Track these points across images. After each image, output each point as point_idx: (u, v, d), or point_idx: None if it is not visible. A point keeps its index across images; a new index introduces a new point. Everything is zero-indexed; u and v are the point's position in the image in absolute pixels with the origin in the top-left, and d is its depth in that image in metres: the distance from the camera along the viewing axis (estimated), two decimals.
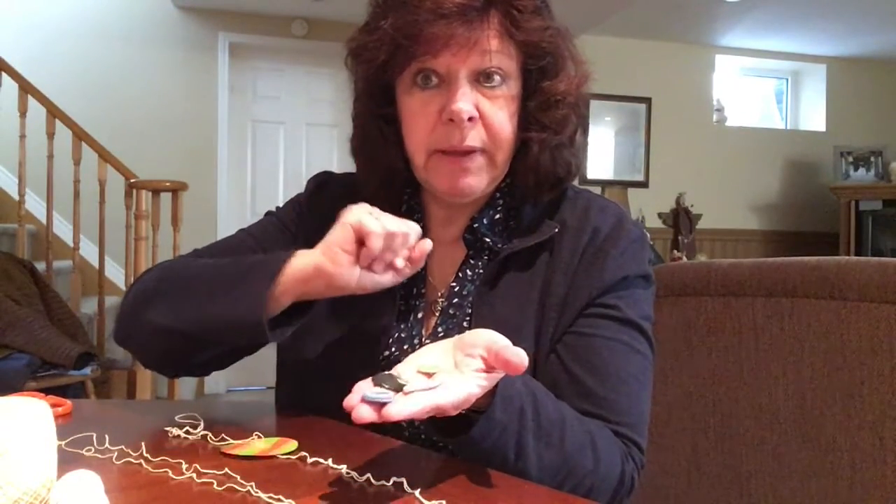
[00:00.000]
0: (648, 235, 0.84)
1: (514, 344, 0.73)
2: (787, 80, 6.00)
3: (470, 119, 0.73)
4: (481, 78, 0.75)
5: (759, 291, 1.04)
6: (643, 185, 5.34)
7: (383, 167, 0.82)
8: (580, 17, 4.33)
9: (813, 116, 5.86)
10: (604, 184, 5.13)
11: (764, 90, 6.03)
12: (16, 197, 3.53)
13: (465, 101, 0.73)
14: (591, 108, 5.18)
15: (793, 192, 5.69)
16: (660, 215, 5.30)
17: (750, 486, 1.07)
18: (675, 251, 5.13)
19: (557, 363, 0.76)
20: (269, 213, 0.94)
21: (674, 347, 1.12)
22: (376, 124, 0.81)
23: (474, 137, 0.75)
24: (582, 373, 0.75)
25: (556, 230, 0.80)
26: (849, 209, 5.19)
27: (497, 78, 0.75)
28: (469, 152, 0.75)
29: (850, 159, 5.45)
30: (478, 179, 0.77)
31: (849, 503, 0.96)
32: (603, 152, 5.35)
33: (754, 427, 1.06)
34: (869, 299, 0.94)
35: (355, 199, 0.82)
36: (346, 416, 0.77)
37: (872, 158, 5.42)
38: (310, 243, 0.79)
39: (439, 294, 0.83)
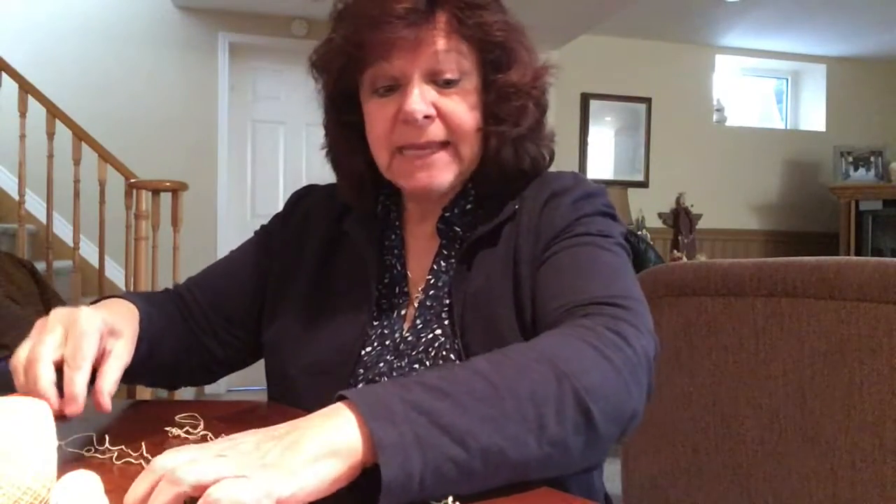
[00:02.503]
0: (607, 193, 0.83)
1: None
2: (787, 80, 6.00)
3: (427, 117, 0.76)
4: (436, 79, 0.77)
5: (759, 291, 1.04)
6: (643, 185, 5.34)
7: (350, 173, 0.86)
8: (580, 17, 4.33)
9: (813, 116, 5.86)
10: (604, 184, 5.12)
11: (764, 90, 6.03)
12: (16, 197, 3.53)
13: (419, 101, 0.75)
14: (591, 108, 5.23)
15: (793, 192, 5.69)
16: (660, 215, 5.30)
17: (750, 486, 1.07)
18: (675, 251, 5.14)
19: (536, 293, 0.75)
20: (256, 231, 0.99)
21: (674, 347, 1.12)
22: (341, 132, 0.85)
23: (434, 132, 0.77)
24: (553, 282, 0.73)
25: (517, 207, 0.81)
26: (849, 209, 5.20)
27: (450, 76, 0.77)
28: (430, 146, 0.77)
29: (850, 159, 5.45)
30: (443, 174, 0.79)
31: (849, 503, 0.96)
32: (603, 152, 5.35)
33: (754, 427, 1.06)
34: (869, 299, 0.94)
35: (332, 208, 0.91)
36: None
37: (872, 158, 5.42)
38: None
39: (419, 289, 0.84)
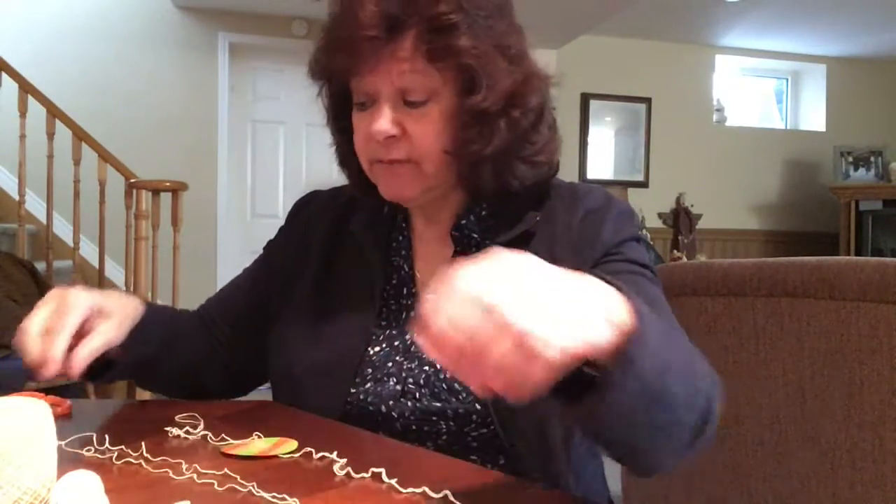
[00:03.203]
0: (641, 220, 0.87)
1: None
2: (787, 80, 6.00)
3: (391, 137, 0.77)
4: (403, 97, 0.77)
5: (759, 291, 1.04)
6: (643, 185, 5.34)
7: (351, 173, 0.88)
8: (580, 17, 4.33)
9: (813, 116, 5.86)
10: (604, 184, 5.13)
11: (764, 90, 6.03)
12: (16, 197, 3.53)
13: (383, 121, 0.77)
14: (591, 108, 5.23)
15: (793, 192, 5.69)
16: (660, 215, 5.30)
17: (750, 486, 1.07)
18: (675, 251, 5.14)
19: None
20: (264, 248, 1.01)
21: None
22: (339, 137, 0.88)
23: (399, 151, 0.78)
24: None
25: (538, 219, 0.82)
26: (849, 209, 5.20)
27: (416, 98, 0.77)
28: (397, 162, 0.79)
29: (850, 159, 5.45)
30: (411, 187, 0.80)
31: (849, 503, 0.96)
32: (603, 152, 5.35)
33: (754, 427, 1.06)
34: (869, 299, 0.94)
35: (337, 209, 0.92)
36: (338, 418, 0.79)
37: (872, 158, 5.42)
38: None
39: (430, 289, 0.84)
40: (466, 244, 0.84)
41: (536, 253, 0.79)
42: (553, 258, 0.78)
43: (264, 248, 0.99)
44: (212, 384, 0.95)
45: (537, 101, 0.81)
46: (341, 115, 0.85)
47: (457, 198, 0.85)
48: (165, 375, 0.94)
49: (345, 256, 0.89)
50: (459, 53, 0.75)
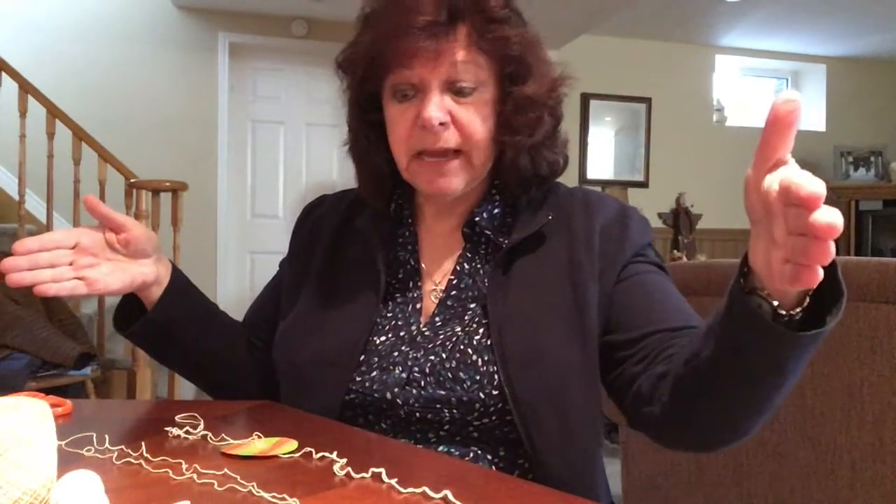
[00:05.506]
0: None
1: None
2: (787, 80, 6.00)
3: (442, 124, 0.79)
4: (453, 87, 0.80)
5: None
6: (643, 185, 5.34)
7: (371, 170, 0.89)
8: (580, 17, 4.33)
9: (813, 116, 5.86)
10: (604, 184, 5.13)
11: (764, 90, 6.03)
12: (16, 197, 3.53)
13: (436, 108, 0.78)
14: (591, 108, 5.23)
15: None
16: (660, 215, 5.29)
17: (750, 485, 1.07)
18: (675, 251, 5.13)
19: (623, 306, 0.81)
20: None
21: None
22: (364, 131, 0.88)
23: (449, 139, 0.80)
24: (656, 300, 0.80)
25: (549, 217, 0.84)
26: (849, 209, 5.20)
27: (467, 86, 0.80)
28: (445, 154, 0.80)
29: (850, 159, 5.46)
30: (456, 180, 0.82)
31: (849, 503, 0.96)
32: (603, 152, 5.35)
33: None
34: (869, 299, 0.94)
35: (343, 209, 0.94)
36: (341, 405, 0.79)
37: (872, 158, 5.43)
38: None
39: (436, 283, 0.87)
40: (476, 241, 0.86)
41: (554, 253, 0.82)
42: (571, 259, 0.82)
43: (287, 252, 1.01)
44: (245, 385, 0.97)
45: (563, 98, 0.86)
46: (369, 108, 0.86)
47: (475, 194, 0.87)
48: (192, 359, 0.96)
49: (350, 252, 0.91)
50: (510, 45, 0.80)
